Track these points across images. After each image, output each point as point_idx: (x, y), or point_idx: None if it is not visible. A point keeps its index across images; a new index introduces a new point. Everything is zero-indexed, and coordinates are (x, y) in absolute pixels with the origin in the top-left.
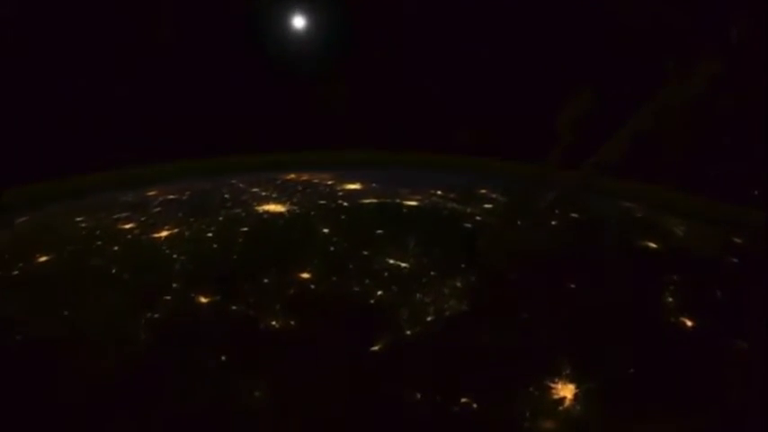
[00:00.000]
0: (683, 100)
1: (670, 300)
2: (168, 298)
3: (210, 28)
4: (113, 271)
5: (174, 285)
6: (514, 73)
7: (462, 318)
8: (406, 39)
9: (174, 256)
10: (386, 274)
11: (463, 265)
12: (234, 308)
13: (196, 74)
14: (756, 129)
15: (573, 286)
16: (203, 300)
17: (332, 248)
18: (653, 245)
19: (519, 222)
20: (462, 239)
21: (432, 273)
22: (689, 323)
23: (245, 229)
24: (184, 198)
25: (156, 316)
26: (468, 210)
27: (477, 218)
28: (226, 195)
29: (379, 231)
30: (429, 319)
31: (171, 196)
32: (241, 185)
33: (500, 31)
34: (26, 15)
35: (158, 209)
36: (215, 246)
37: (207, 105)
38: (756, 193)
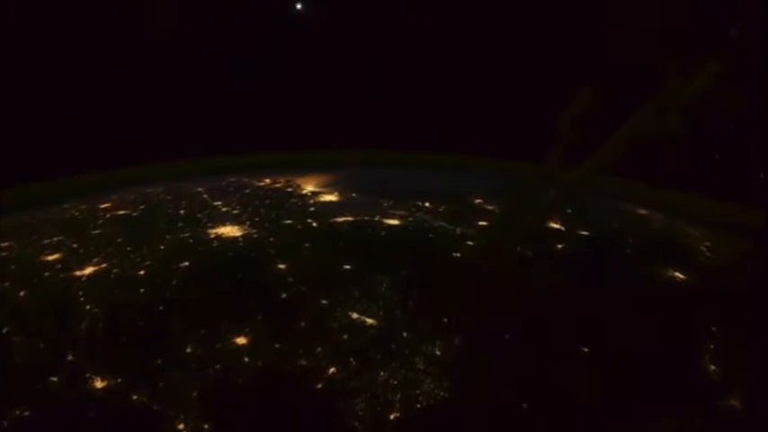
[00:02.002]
0: (683, 100)
1: (713, 368)
2: (55, 380)
3: (203, 27)
4: (4, 331)
5: (70, 358)
6: (514, 73)
7: (440, 414)
8: (404, 37)
9: (88, 306)
10: (345, 336)
11: (446, 319)
12: (134, 398)
13: (192, 73)
14: (756, 128)
15: (586, 350)
16: (99, 385)
17: (284, 295)
18: (680, 275)
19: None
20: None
21: (404, 334)
22: (738, 404)
23: (186, 263)
24: (135, 214)
25: (27, 414)
26: (459, 230)
27: (469, 242)
28: (181, 211)
29: (348, 267)
30: (393, 416)
31: (122, 211)
32: (205, 196)
33: (500, 31)
34: None
35: (99, 231)
36: (141, 290)
37: (203, 104)
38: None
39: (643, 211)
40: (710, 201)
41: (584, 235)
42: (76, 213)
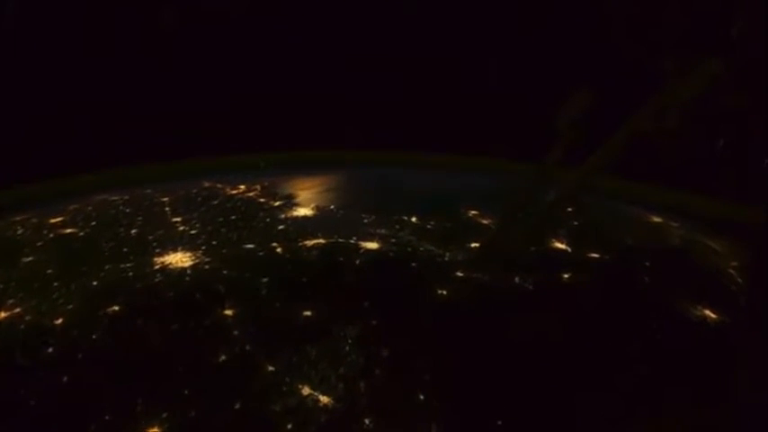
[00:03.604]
0: (683, 100)
1: None
2: None
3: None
4: None
5: None
6: (514, 72)
7: None
8: (403, 37)
9: None
10: (289, 426)
11: (421, 396)
12: None
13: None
14: (756, 128)
15: None
16: None
17: (222, 358)
18: (712, 314)
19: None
20: None
21: (366, 421)
22: None
23: (116, 308)
24: (81, 234)
25: None
26: (448, 255)
27: (459, 273)
28: (133, 231)
29: (308, 313)
30: None
31: (69, 229)
32: (166, 209)
33: (499, 31)
34: None
35: (32, 257)
36: (50, 350)
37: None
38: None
39: (656, 219)
40: (728, 204)
41: (590, 258)
42: (20, 230)
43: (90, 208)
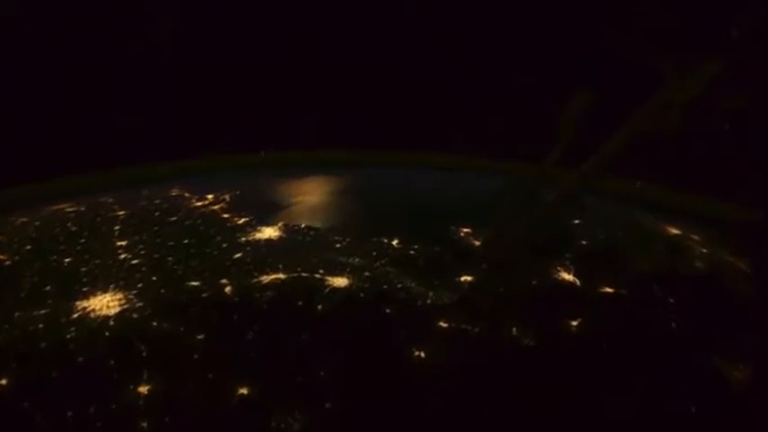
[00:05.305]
0: (683, 100)
1: None
2: None
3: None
4: None
5: None
6: (514, 73)
7: None
8: (403, 36)
9: None
10: None
11: None
12: None
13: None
14: (756, 128)
15: None
16: None
17: None
18: (741, 369)
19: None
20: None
21: None
22: None
23: (1, 384)
24: (8, 262)
25: None
26: (431, 296)
27: (442, 323)
28: (67, 259)
29: (244, 392)
30: None
31: None
32: (116, 229)
33: (499, 31)
34: None
35: None
36: None
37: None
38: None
39: (674, 231)
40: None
41: (602, 294)
42: None
43: (37, 224)
